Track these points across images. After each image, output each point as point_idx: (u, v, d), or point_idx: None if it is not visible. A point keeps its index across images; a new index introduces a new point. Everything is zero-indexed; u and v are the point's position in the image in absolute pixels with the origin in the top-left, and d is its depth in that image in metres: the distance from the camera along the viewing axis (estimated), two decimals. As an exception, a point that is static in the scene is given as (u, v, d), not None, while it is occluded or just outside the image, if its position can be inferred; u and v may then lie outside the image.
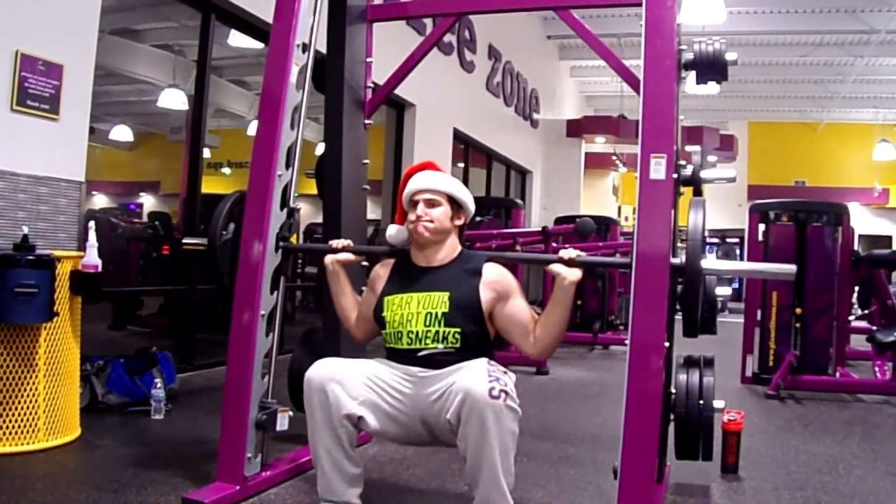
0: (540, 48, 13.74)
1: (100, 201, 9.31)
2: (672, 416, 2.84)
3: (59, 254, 3.43)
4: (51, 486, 2.84)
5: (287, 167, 3.03)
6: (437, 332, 2.48)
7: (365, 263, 3.38)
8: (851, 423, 4.76)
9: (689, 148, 3.06)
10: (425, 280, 2.58)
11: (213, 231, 3.04)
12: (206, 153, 6.01)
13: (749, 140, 19.62)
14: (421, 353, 2.50)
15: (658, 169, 2.57)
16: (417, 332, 2.50)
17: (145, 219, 9.30)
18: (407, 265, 2.67)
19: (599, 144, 15.88)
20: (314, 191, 3.68)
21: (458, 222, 2.66)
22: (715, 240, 19.04)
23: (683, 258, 2.55)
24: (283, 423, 2.95)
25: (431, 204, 2.59)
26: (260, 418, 2.88)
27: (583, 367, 7.06)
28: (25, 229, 3.44)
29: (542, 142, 13.99)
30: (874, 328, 6.26)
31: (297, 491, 2.94)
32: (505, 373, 2.36)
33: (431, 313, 2.49)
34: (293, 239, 3.09)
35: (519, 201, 8.91)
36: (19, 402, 3.25)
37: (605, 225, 9.75)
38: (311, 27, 3.15)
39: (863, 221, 17.01)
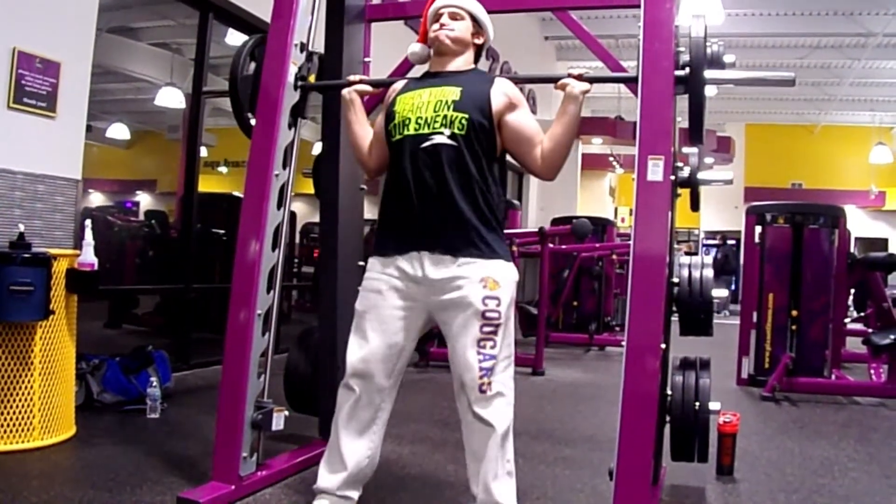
0: (538, 49, 13.75)
1: (96, 199, 9.27)
2: (668, 418, 2.84)
3: (56, 252, 3.43)
4: (46, 485, 2.83)
5: (284, 166, 3.04)
6: (446, 115, 2.46)
7: (362, 263, 3.38)
8: (847, 425, 4.76)
9: (686, 150, 3.07)
10: (439, 79, 2.60)
11: (235, 68, 3.09)
12: (204, 152, 5.99)
13: (746, 142, 19.64)
14: (426, 143, 2.45)
15: (656, 170, 2.58)
16: (426, 118, 2.49)
17: (142, 217, 9.28)
18: (423, 76, 2.69)
19: (596, 145, 15.89)
20: (312, 190, 3.68)
21: (478, 41, 2.68)
22: (715, 241, 19.09)
23: (687, 70, 2.65)
24: (278, 422, 2.95)
25: (454, 17, 2.62)
26: (256, 418, 2.88)
27: (579, 368, 7.07)
28: (21, 227, 3.43)
29: (540, 142, 13.98)
30: (870, 331, 6.27)
31: (292, 490, 2.94)
32: (498, 303, 2.37)
33: (442, 101, 2.49)
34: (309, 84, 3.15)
35: (516, 202, 8.92)
36: (14, 401, 3.25)
37: (601, 226, 9.77)
38: (309, 26, 3.15)
39: (859, 224, 17.07)
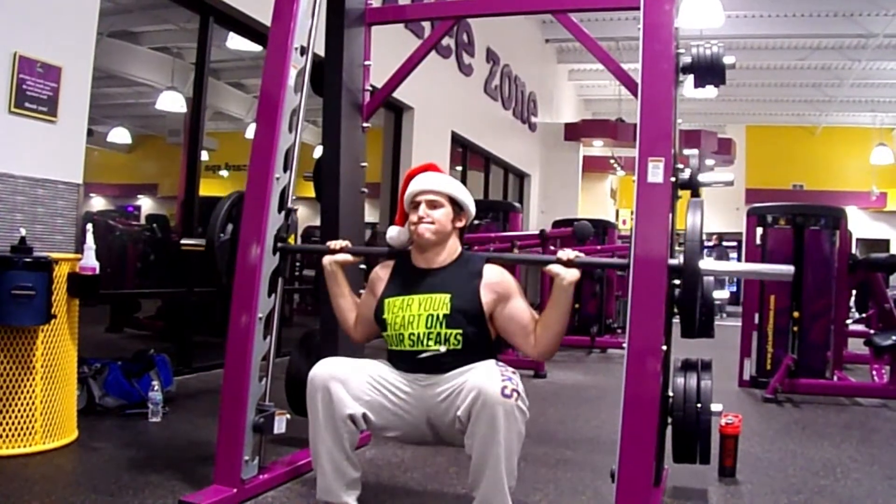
0: (538, 51, 13.76)
1: (98, 204, 9.30)
2: (670, 420, 2.84)
3: (57, 256, 3.43)
4: (48, 489, 2.83)
5: (285, 170, 3.04)
6: (439, 333, 2.48)
7: (363, 266, 3.39)
8: (849, 426, 4.76)
9: (686, 151, 3.07)
10: (426, 282, 2.58)
11: (212, 231, 3.03)
12: (205, 156, 6.01)
13: (747, 144, 19.64)
14: (422, 356, 2.49)
15: (656, 172, 2.58)
16: (419, 334, 2.50)
17: (143, 221, 9.30)
18: (407, 267, 2.67)
19: (597, 148, 15.90)
20: (312, 194, 3.68)
21: (460, 224, 2.66)
22: (710, 243, 19.06)
23: (682, 259, 2.56)
24: (280, 425, 2.95)
25: (433, 205, 2.59)
26: (257, 421, 2.88)
27: (580, 370, 7.06)
28: (23, 231, 3.43)
29: (540, 145, 14.01)
30: (872, 332, 6.26)
31: (294, 494, 2.94)
32: (514, 373, 2.37)
33: (433, 315, 2.50)
34: (290, 240, 3.09)
35: (517, 204, 8.91)
36: (16, 405, 3.25)
37: (602, 228, 9.76)
38: (309, 30, 3.15)
39: (860, 225, 17.07)
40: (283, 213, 3.02)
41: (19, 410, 3.25)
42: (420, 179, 2.65)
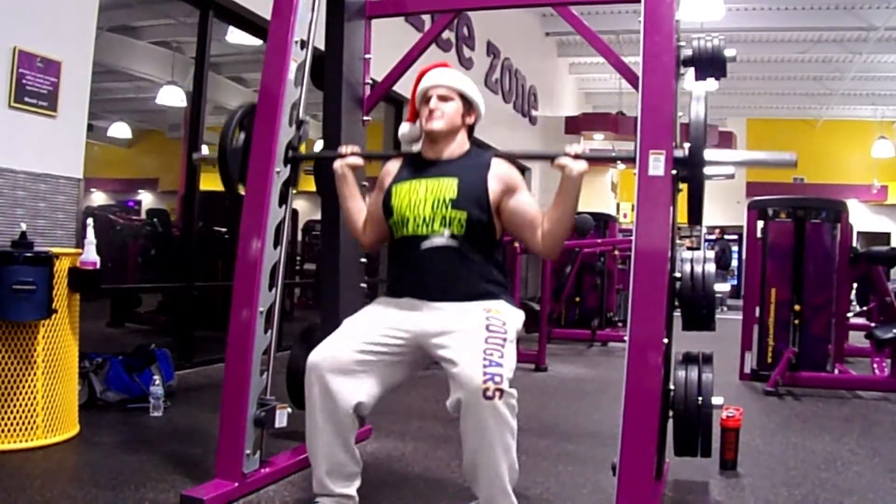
0: (538, 45, 13.73)
1: (98, 198, 9.31)
2: (671, 413, 2.84)
3: (58, 251, 3.43)
4: (49, 483, 2.84)
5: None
6: (444, 216, 2.47)
7: (363, 259, 3.38)
8: (850, 419, 4.76)
9: (687, 145, 3.06)
10: (434, 169, 2.58)
11: (224, 139, 3.04)
12: (205, 150, 5.99)
13: (747, 137, 19.61)
14: (426, 245, 2.47)
15: (657, 165, 2.57)
16: (424, 217, 2.49)
17: (144, 216, 9.30)
18: (417, 159, 2.68)
19: (598, 141, 15.87)
20: (313, 188, 3.68)
21: (469, 120, 2.66)
22: (712, 236, 19.07)
23: (686, 149, 2.60)
24: (281, 419, 2.95)
25: (444, 99, 2.60)
26: (259, 415, 2.88)
27: (581, 363, 7.07)
28: (23, 226, 3.43)
29: (541, 138, 13.98)
30: (873, 325, 6.27)
31: (295, 488, 2.95)
32: (503, 323, 2.36)
33: (439, 199, 2.49)
34: (302, 149, 3.15)
35: None
36: (18, 400, 3.25)
37: (603, 221, 9.76)
38: (309, 23, 3.15)
39: (861, 218, 17.04)
40: (293, 126, 3.06)
41: (21, 405, 3.26)
42: (432, 75, 2.66)
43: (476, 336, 2.33)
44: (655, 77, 2.65)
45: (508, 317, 2.44)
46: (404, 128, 2.79)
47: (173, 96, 7.85)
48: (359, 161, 2.81)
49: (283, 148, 3.02)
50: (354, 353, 2.44)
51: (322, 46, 3.43)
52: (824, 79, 15.88)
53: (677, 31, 2.80)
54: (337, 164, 2.79)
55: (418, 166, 2.63)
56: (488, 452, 2.22)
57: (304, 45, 3.11)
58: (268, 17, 3.15)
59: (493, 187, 2.51)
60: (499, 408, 2.20)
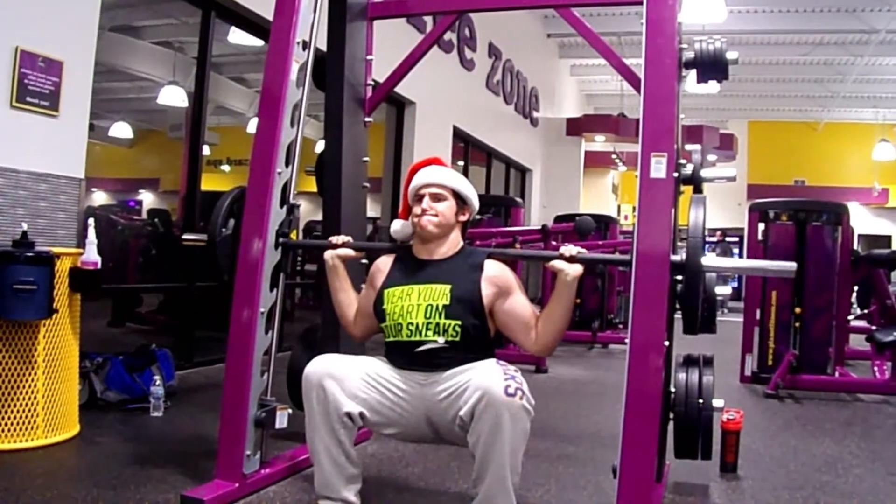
0: (540, 46, 13.74)
1: (99, 198, 9.30)
2: (671, 415, 2.84)
3: (59, 251, 3.43)
4: (50, 483, 2.84)
5: (287, 164, 3.03)
6: (438, 324, 2.48)
7: (364, 261, 3.38)
8: (850, 422, 4.76)
9: (689, 147, 3.06)
10: (427, 272, 2.58)
11: (213, 227, 3.03)
12: (206, 150, 6.01)
13: (749, 139, 19.63)
14: (420, 349, 2.49)
15: (658, 168, 2.57)
16: (417, 325, 2.49)
17: (145, 216, 9.30)
18: (408, 258, 2.68)
19: (599, 143, 15.90)
20: (314, 188, 3.68)
21: (463, 218, 2.67)
22: (713, 238, 19.05)
23: (684, 255, 2.55)
24: (282, 420, 2.95)
25: (437, 198, 2.60)
26: (259, 416, 2.88)
27: (582, 365, 7.07)
28: (25, 226, 3.43)
29: (542, 140, 13.99)
30: (873, 328, 6.25)
31: (295, 489, 2.94)
32: (516, 371, 2.35)
33: (432, 305, 2.49)
34: (293, 235, 3.09)
35: (518, 199, 8.91)
36: (18, 399, 3.25)
37: (604, 223, 9.75)
38: (311, 24, 3.15)
39: (862, 221, 17.03)
40: (285, 208, 3.01)
41: (21, 405, 3.26)
42: (424, 173, 2.66)
43: (490, 362, 2.37)
44: (657, 79, 2.64)
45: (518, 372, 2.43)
46: (396, 225, 2.78)
47: (175, 96, 7.84)
48: (350, 253, 2.81)
49: (284, 148, 3.01)
50: (361, 373, 2.48)
51: (324, 47, 3.43)
52: (826, 81, 15.89)
53: (679, 34, 2.80)
54: (328, 255, 2.79)
55: (410, 268, 2.63)
56: (500, 450, 2.23)
57: (305, 45, 3.11)
58: (270, 17, 3.15)
59: (487, 291, 2.52)
60: (518, 406, 2.22)
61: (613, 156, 16.66)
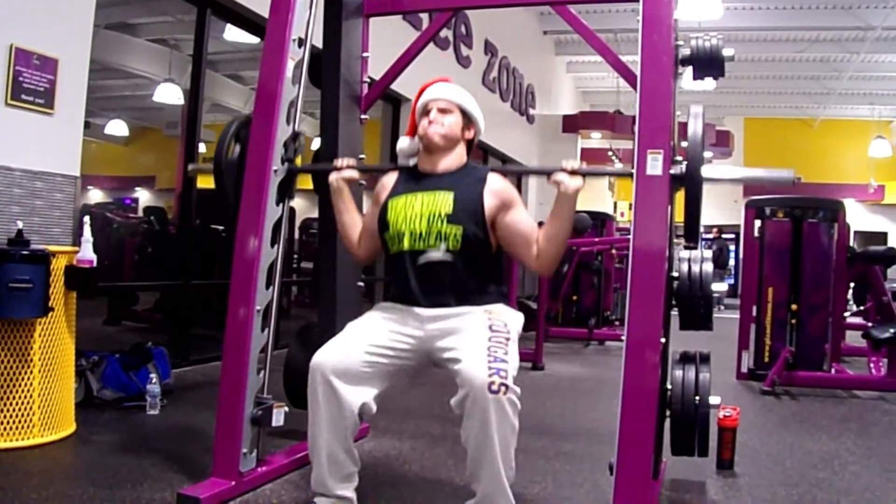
0: (536, 44, 13.73)
1: (95, 196, 9.29)
2: (668, 412, 2.84)
3: (54, 249, 3.42)
4: (46, 482, 2.83)
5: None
6: (440, 231, 2.48)
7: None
8: (846, 419, 4.77)
9: (685, 144, 3.06)
10: (430, 182, 2.59)
11: (219, 152, 3.03)
12: (202, 148, 5.99)
13: (745, 136, 19.65)
14: (422, 260, 2.49)
15: (655, 164, 2.57)
16: (420, 232, 2.50)
17: (141, 213, 9.29)
18: (413, 172, 2.69)
19: (595, 140, 15.88)
20: (310, 186, 3.67)
21: (469, 135, 2.68)
22: (710, 235, 19.08)
23: (684, 168, 2.58)
24: (278, 418, 2.94)
25: (444, 112, 2.61)
26: (255, 414, 2.88)
27: (578, 362, 7.07)
28: (20, 224, 3.42)
29: (538, 137, 13.98)
30: (869, 324, 6.27)
31: (292, 486, 2.94)
32: (506, 340, 2.36)
33: (434, 213, 2.50)
34: (297, 161, 3.11)
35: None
36: (14, 398, 3.25)
37: (601, 220, 9.77)
38: (307, 22, 3.14)
39: (858, 218, 17.08)
40: (291, 130, 3.04)
41: (17, 403, 3.25)
42: (433, 88, 2.67)
43: (479, 335, 2.36)
44: (654, 76, 2.64)
45: (509, 318, 2.48)
46: (403, 142, 2.80)
47: (171, 94, 7.83)
48: (354, 174, 2.81)
49: (280, 146, 3.01)
50: (362, 354, 2.46)
51: (320, 44, 3.42)
52: (822, 78, 15.90)
53: (675, 31, 2.79)
54: (332, 177, 2.79)
55: (414, 179, 2.65)
56: (491, 448, 2.23)
57: (301, 43, 3.10)
58: (265, 14, 3.14)
59: (489, 202, 2.53)
60: (503, 403, 2.21)
61: (610, 153, 16.65)
